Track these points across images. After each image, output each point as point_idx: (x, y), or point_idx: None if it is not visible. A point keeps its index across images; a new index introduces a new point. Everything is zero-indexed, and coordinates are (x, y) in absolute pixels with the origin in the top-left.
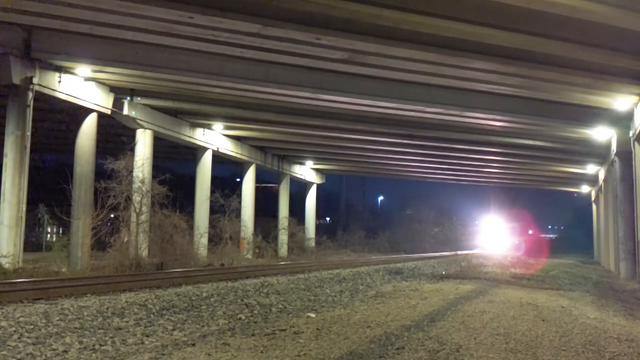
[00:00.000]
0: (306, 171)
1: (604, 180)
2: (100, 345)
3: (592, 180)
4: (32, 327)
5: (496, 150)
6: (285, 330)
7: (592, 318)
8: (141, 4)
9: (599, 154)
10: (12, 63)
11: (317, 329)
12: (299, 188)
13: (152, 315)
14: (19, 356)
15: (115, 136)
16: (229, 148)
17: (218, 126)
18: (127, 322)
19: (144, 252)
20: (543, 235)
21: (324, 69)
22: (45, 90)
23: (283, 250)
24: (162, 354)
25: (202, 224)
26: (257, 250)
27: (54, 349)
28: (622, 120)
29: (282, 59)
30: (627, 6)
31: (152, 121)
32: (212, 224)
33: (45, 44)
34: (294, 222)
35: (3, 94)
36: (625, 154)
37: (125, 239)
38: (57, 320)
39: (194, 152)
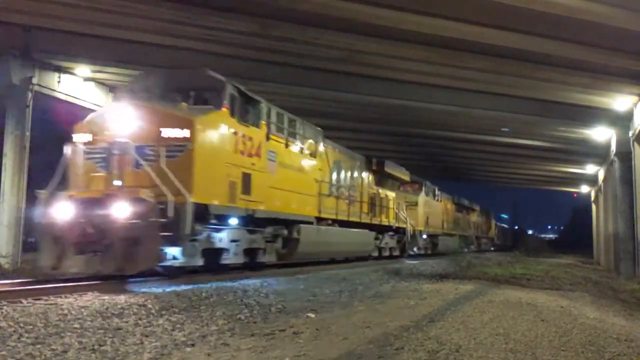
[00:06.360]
0: None
1: (603, 181)
2: (100, 345)
3: (592, 180)
4: (31, 327)
5: (496, 150)
6: (284, 330)
7: (592, 318)
8: (141, 4)
9: (598, 154)
10: (11, 63)
11: (317, 329)
12: None
13: (151, 316)
14: (18, 356)
15: None
16: None
17: None
18: (127, 322)
19: None
20: None
21: (324, 68)
22: (45, 91)
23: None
24: (162, 354)
25: None
26: None
27: (53, 349)
28: (622, 120)
29: (281, 59)
30: (627, 6)
31: None
32: None
33: (45, 44)
34: None
35: (2, 94)
36: (624, 154)
37: None
38: (57, 320)
39: None
